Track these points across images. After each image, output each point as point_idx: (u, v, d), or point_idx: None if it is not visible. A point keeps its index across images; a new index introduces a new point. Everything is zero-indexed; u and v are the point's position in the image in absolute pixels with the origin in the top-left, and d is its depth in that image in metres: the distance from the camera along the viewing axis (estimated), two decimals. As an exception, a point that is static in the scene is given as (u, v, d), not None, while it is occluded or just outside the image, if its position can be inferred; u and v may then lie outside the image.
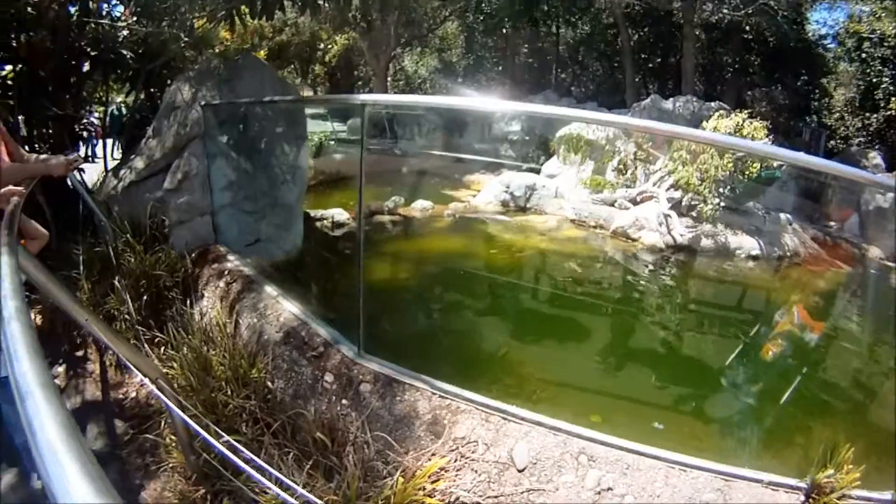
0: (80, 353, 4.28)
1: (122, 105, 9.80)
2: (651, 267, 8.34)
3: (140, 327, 3.93)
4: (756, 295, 7.92)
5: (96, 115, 7.40)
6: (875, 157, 15.43)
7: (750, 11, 17.61)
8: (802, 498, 2.32)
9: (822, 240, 10.62)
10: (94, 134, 7.16)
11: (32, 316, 4.24)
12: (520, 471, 2.33)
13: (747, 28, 20.14)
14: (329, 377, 2.87)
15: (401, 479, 2.34)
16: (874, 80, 19.73)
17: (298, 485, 2.41)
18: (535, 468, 2.33)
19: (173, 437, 2.97)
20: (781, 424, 4.07)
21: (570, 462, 2.34)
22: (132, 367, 2.36)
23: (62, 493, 0.66)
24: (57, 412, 0.78)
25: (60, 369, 4.09)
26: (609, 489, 2.24)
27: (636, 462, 2.33)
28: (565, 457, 2.35)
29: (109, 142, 8.55)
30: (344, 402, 2.74)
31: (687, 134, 3.54)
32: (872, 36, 19.46)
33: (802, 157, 2.39)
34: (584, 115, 5.37)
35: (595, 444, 2.39)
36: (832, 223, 12.59)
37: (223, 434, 2.46)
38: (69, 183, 4.55)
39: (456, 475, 2.38)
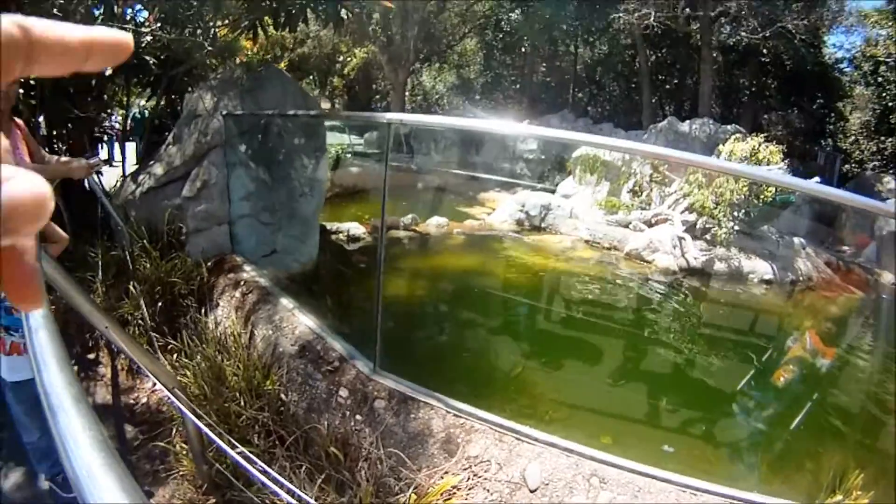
0: (91, 356, 4.31)
1: (145, 109, 9.91)
2: (665, 290, 8.30)
3: (154, 333, 3.95)
4: (768, 320, 7.86)
5: (117, 118, 7.46)
6: (890, 182, 15.38)
7: (767, 35, 17.59)
8: (813, 525, 2.31)
9: (835, 265, 10.54)
10: (114, 137, 7.22)
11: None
12: (532, 491, 2.33)
13: (764, 51, 20.15)
14: (344, 392, 2.87)
15: (413, 496, 2.34)
16: (890, 104, 19.71)
17: (311, 498, 2.42)
18: (546, 489, 2.32)
19: (184, 445, 2.97)
20: (791, 450, 4.05)
21: (581, 483, 2.33)
22: (150, 375, 2.37)
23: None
24: (91, 426, 0.76)
25: (72, 372, 4.11)
26: (621, 513, 2.23)
27: (647, 485, 2.32)
28: (577, 478, 2.34)
29: (130, 145, 8.65)
30: (358, 417, 2.74)
31: (700, 162, 3.54)
32: (889, 60, 19.45)
33: (804, 184, 2.38)
34: (596, 139, 5.34)
35: (607, 467, 2.38)
36: (846, 248, 12.51)
37: (237, 444, 2.47)
38: (87, 186, 4.59)
39: (468, 494, 2.37)
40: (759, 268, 9.02)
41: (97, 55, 0.33)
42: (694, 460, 3.62)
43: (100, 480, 0.67)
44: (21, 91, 4.99)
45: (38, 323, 1.09)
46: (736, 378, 5.21)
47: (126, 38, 0.35)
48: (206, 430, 2.21)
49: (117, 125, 7.32)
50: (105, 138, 8.00)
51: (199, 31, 5.75)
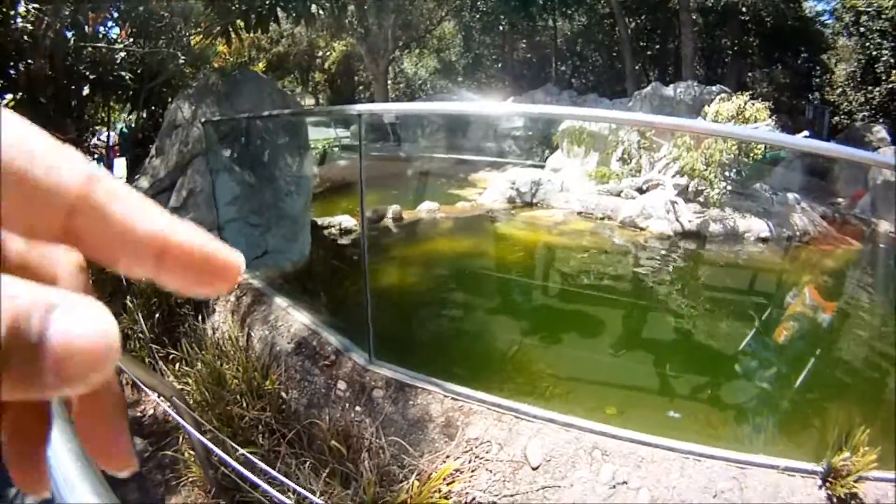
0: (96, 373, 4.33)
1: (131, 124, 9.87)
2: (660, 255, 8.31)
3: (154, 345, 3.98)
4: (767, 277, 7.87)
5: (102, 136, 7.44)
6: (880, 131, 15.33)
7: (746, -9, 17.52)
8: (819, 482, 2.32)
9: (831, 218, 10.53)
10: (108, 154, 7.20)
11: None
12: (534, 468, 2.35)
13: (744, 9, 20.04)
14: (342, 385, 2.90)
15: (416, 483, 2.36)
16: (874, 53, 19.58)
17: (316, 494, 2.45)
18: (549, 465, 2.35)
19: (192, 452, 3.00)
20: (796, 408, 4.06)
21: (583, 457, 2.35)
22: (147, 388, 2.39)
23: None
24: (70, 439, 0.78)
25: (77, 389, 4.13)
26: (624, 483, 2.25)
27: (650, 454, 2.34)
28: (579, 452, 2.36)
29: (121, 161, 8.63)
30: (357, 408, 2.76)
31: (689, 126, 3.54)
32: (870, 9, 19.30)
33: (801, 142, 2.39)
34: (578, 111, 5.36)
35: (608, 439, 2.40)
36: (840, 200, 12.49)
37: (238, 448, 2.49)
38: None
39: (471, 476, 2.40)
40: (754, 226, 9.01)
41: (177, 268, 0.22)
42: (699, 425, 3.63)
43: (77, 487, 0.70)
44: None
45: None
46: (738, 338, 5.21)
47: (235, 262, 0.24)
48: (202, 438, 2.23)
49: (101, 144, 7.29)
50: (94, 157, 7.94)
51: (172, 42, 5.74)
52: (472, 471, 2.41)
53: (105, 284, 4.71)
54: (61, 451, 0.76)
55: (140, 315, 4.13)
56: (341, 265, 6.50)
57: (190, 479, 3.01)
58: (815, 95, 22.41)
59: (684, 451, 2.37)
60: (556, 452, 2.38)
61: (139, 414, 3.86)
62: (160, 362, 3.86)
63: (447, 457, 2.46)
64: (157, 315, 4.28)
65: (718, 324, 5.79)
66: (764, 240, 8.82)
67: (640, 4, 21.74)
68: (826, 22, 22.13)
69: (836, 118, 20.87)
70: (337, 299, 5.07)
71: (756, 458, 2.38)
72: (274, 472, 1.97)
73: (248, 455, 2.29)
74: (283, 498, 1.93)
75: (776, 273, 8.14)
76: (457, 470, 2.40)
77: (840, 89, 21.98)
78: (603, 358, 4.69)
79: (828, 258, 8.81)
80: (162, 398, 2.67)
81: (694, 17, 19.70)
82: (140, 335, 4.09)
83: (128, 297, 4.29)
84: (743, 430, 3.80)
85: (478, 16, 24.91)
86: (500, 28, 24.82)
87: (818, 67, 22.59)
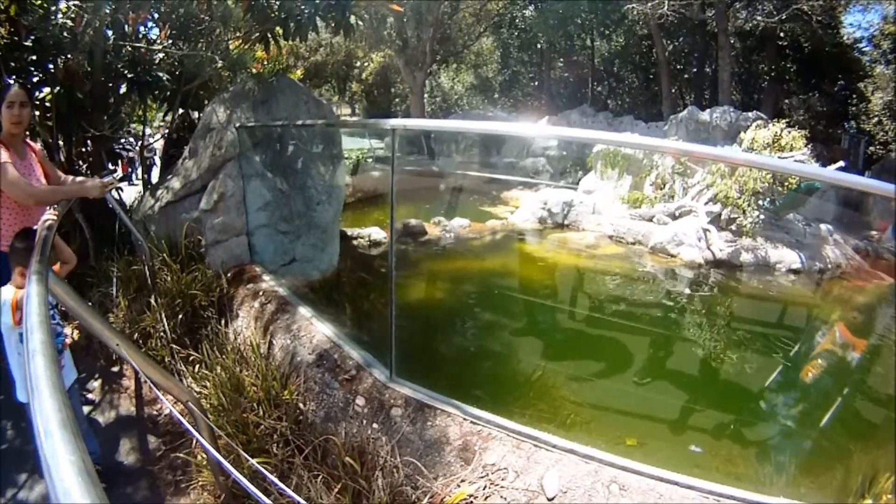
0: (115, 369, 4.36)
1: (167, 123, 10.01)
2: (690, 284, 8.18)
3: (175, 345, 4.00)
4: (797, 311, 7.69)
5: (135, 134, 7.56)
6: (917, 163, 15.01)
7: (784, 17, 17.33)
8: (842, 530, 2.24)
9: (864, 251, 10.29)
10: (142, 152, 7.33)
11: (69, 331, 4.36)
12: (549, 499, 2.29)
13: (781, 34, 19.83)
14: (360, 401, 2.87)
15: (429, 505, 2.32)
16: (912, 82, 19.24)
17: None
18: (564, 497, 2.28)
19: (204, 456, 3.00)
20: (820, 450, 3.94)
21: (601, 491, 2.28)
22: (162, 390, 2.39)
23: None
24: (73, 452, 0.77)
25: (96, 384, 4.17)
26: (641, 520, 2.19)
27: (669, 492, 2.26)
28: (596, 485, 2.30)
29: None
30: (375, 425, 2.73)
31: (723, 156, 3.48)
32: (908, 37, 18.98)
33: (825, 173, 2.31)
34: (612, 137, 5.30)
35: (627, 473, 2.33)
36: (874, 233, 12.21)
37: (250, 458, 2.47)
38: (107, 202, 4.67)
39: (485, 502, 2.35)
40: (786, 257, 8.83)
41: None
42: (720, 462, 3.56)
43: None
44: (37, 113, 5.09)
45: (36, 348, 1.09)
46: (764, 374, 5.10)
47: None
48: (213, 451, 2.22)
49: (135, 141, 7.40)
50: (126, 156, 8.10)
51: (211, 46, 5.81)
52: (486, 497, 2.36)
53: (130, 282, 4.76)
54: (64, 464, 0.74)
55: (163, 315, 4.16)
56: (368, 277, 6.49)
57: (200, 483, 3.01)
58: (850, 124, 22.06)
59: (704, 490, 2.29)
60: (573, 484, 2.32)
61: (155, 412, 3.88)
62: (180, 363, 3.87)
63: (462, 481, 2.42)
64: (180, 316, 4.31)
65: (745, 357, 5.66)
66: (795, 271, 8.63)
67: (678, 27, 21.61)
68: (864, 49, 21.81)
69: (871, 148, 20.50)
70: (361, 312, 5.06)
71: (777, 500, 2.30)
72: (283, 486, 1.94)
73: (259, 466, 2.26)
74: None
75: (807, 307, 7.96)
76: (471, 495, 2.36)
77: (876, 118, 21.64)
78: (626, 387, 4.61)
79: (860, 293, 8.60)
80: (177, 402, 2.68)
81: (731, 41, 19.55)
82: (162, 334, 4.12)
83: (152, 297, 4.33)
84: (764, 470, 3.70)
85: (516, 33, 25.06)
86: (538, 46, 24.90)
87: (854, 95, 22.28)
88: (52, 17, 4.93)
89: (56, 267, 3.29)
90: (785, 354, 5.57)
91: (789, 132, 9.71)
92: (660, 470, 2.36)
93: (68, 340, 3.97)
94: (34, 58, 5.08)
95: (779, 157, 9.14)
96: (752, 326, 6.74)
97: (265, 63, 6.97)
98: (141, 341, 4.18)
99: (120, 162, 8.34)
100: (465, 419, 2.60)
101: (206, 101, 6.10)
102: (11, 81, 4.19)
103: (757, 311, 7.54)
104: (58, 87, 5.08)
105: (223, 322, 4.15)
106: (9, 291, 2.72)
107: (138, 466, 3.31)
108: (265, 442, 2.95)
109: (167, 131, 7.09)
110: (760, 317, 7.21)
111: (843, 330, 5.92)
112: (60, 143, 5.71)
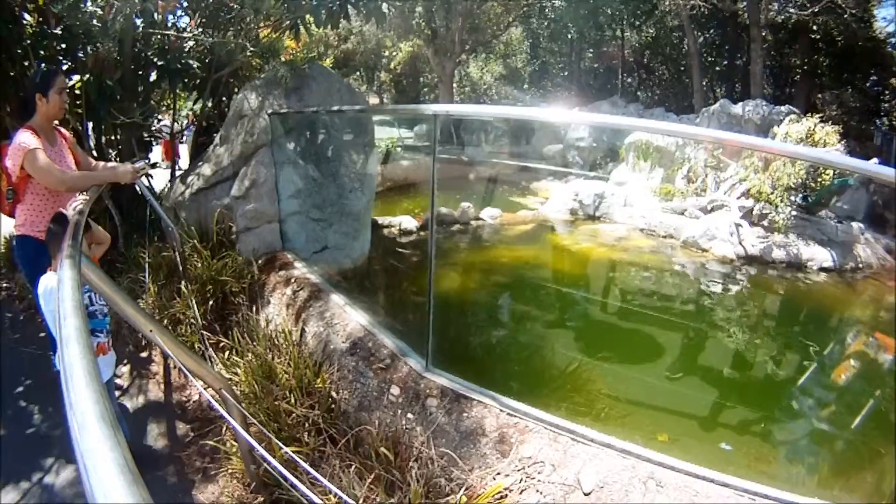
0: (144, 355, 4.40)
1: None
2: (722, 279, 8.07)
3: (205, 332, 4.00)
4: (829, 310, 7.56)
5: (165, 121, 7.60)
6: (947, 160, 14.66)
7: (816, 10, 16.99)
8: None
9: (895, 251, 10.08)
10: (173, 139, 7.39)
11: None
12: (586, 494, 2.25)
13: (814, 28, 19.45)
14: (395, 390, 2.84)
15: (464, 498, 2.29)
16: (945, 79, 18.77)
17: (359, 501, 2.40)
18: (601, 492, 2.24)
19: (235, 443, 3.00)
20: (852, 452, 3.87)
21: (638, 487, 2.24)
22: (195, 377, 2.38)
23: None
24: (113, 448, 0.72)
25: (125, 369, 4.20)
26: (677, 516, 2.15)
27: (704, 489, 2.21)
28: (633, 481, 2.25)
29: (184, 147, 8.80)
30: (409, 416, 2.71)
31: (759, 145, 3.40)
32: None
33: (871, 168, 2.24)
34: (653, 124, 5.22)
35: (664, 469, 2.29)
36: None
37: (283, 445, 2.46)
38: (137, 188, 4.69)
39: (520, 496, 2.32)
40: (818, 255, 8.68)
41: None
42: (751, 460, 3.51)
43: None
44: (68, 100, 5.14)
45: (71, 335, 1.06)
46: (796, 373, 5.03)
47: None
48: (248, 437, 2.21)
49: (166, 129, 7.44)
50: (157, 142, 8.15)
51: (241, 34, 5.81)
52: (522, 491, 2.33)
53: (160, 269, 4.79)
54: (103, 461, 0.70)
55: (194, 301, 4.16)
56: (400, 266, 6.48)
57: (230, 471, 3.00)
58: (883, 121, 21.57)
59: (738, 487, 2.24)
60: (609, 479, 2.27)
61: (184, 398, 3.89)
62: (210, 349, 3.88)
63: (497, 473, 2.39)
64: (210, 302, 4.32)
65: (777, 356, 5.58)
66: (827, 270, 8.48)
67: (710, 18, 21.27)
68: (896, 44, 21.29)
69: (904, 145, 20.03)
70: (395, 301, 5.04)
71: (809, 500, 2.24)
72: (316, 474, 1.92)
73: (292, 454, 2.25)
74: (323, 501, 1.90)
75: (838, 306, 7.81)
76: (506, 488, 2.33)
77: (909, 116, 21.15)
78: (657, 381, 4.56)
79: (891, 294, 8.43)
80: (210, 389, 2.67)
81: (764, 34, 19.17)
82: (192, 321, 4.12)
83: (182, 283, 4.34)
84: (796, 470, 3.65)
85: (546, 23, 24.86)
86: (568, 36, 24.70)
87: (887, 91, 21.75)
88: (82, 6, 4.96)
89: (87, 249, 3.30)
90: (817, 354, 5.48)
91: (823, 127, 9.52)
92: (695, 466, 2.31)
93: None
94: (63, 46, 5.10)
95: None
96: (785, 324, 6.64)
97: (294, 52, 6.96)
98: (171, 327, 4.18)
99: (160, 143, 8.44)
100: (501, 411, 2.56)
101: (236, 90, 6.09)
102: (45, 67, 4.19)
103: (789, 308, 7.43)
104: (87, 75, 5.11)
105: (254, 309, 4.15)
106: (53, 278, 2.72)
107: (167, 452, 3.31)
108: (297, 430, 2.92)
109: (189, 120, 7.08)
110: (792, 315, 7.10)
111: (876, 332, 5.82)
112: (90, 131, 5.75)
